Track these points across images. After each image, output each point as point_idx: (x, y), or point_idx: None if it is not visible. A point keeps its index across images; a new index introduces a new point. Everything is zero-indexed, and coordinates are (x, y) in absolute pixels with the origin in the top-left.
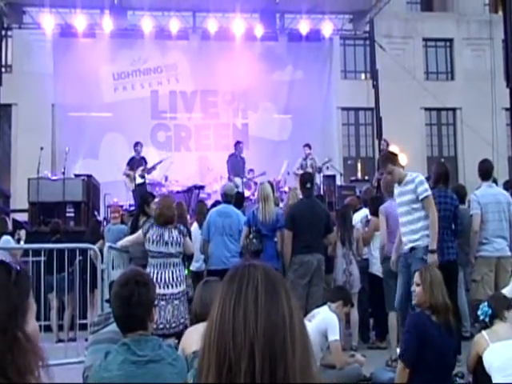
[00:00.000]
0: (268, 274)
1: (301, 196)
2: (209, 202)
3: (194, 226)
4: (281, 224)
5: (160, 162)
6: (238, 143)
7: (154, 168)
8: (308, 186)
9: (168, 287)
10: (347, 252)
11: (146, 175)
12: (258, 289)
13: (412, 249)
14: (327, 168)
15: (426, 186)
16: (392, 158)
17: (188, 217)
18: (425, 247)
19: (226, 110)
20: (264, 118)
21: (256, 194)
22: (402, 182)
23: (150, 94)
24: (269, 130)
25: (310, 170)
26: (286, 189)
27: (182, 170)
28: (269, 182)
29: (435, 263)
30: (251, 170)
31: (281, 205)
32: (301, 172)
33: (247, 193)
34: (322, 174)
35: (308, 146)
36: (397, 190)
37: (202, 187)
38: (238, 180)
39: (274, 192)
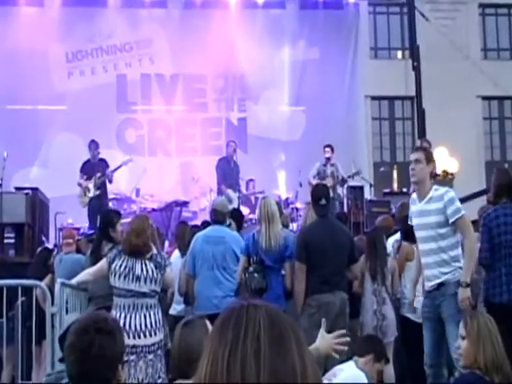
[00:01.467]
0: (273, 317)
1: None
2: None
3: (175, 256)
4: (290, 252)
5: (120, 166)
6: (229, 144)
7: (110, 175)
8: (322, 202)
9: (140, 336)
10: (379, 288)
11: (108, 184)
12: (260, 337)
13: (440, 285)
14: (353, 178)
15: (459, 204)
16: (430, 154)
17: (166, 243)
18: (457, 282)
19: (218, 100)
20: (268, 111)
21: (257, 211)
22: (426, 196)
23: (115, 79)
24: (274, 127)
25: (330, 180)
26: (299, 205)
27: (159, 181)
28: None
29: (468, 301)
30: (251, 181)
31: (294, 226)
32: (316, 182)
33: (245, 210)
34: (346, 185)
35: (330, 147)
36: (415, 207)
37: (185, 203)
38: (231, 193)
39: (281, 209)
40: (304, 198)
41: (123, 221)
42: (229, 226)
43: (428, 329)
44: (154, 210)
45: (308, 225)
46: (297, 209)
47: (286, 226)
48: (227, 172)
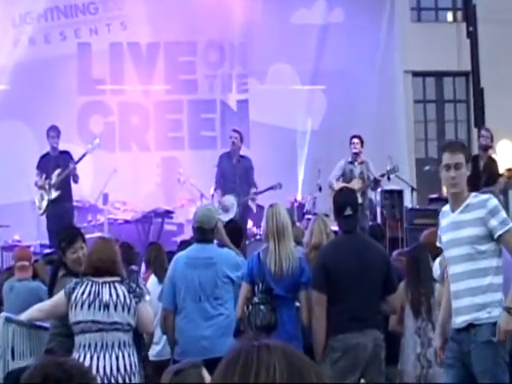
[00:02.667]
0: (292, 360)
1: (333, 228)
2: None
3: (151, 283)
4: (308, 278)
5: (84, 154)
6: (231, 133)
7: (72, 169)
8: (347, 212)
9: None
10: (423, 326)
11: (73, 184)
12: None
13: (470, 326)
14: (388, 179)
15: (505, 214)
16: (469, 153)
17: (143, 267)
18: (494, 324)
19: (211, 77)
20: (277, 91)
21: (263, 224)
22: (461, 204)
23: (76, 49)
24: (285, 112)
25: (358, 182)
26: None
27: (134, 184)
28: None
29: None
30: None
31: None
32: (340, 186)
33: (248, 224)
34: (378, 190)
35: (359, 139)
36: (446, 219)
37: (168, 213)
38: (229, 199)
39: (294, 221)
40: (324, 206)
41: (88, 236)
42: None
43: (451, 379)
44: (126, 221)
45: (329, 243)
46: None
47: (299, 242)
48: (227, 172)
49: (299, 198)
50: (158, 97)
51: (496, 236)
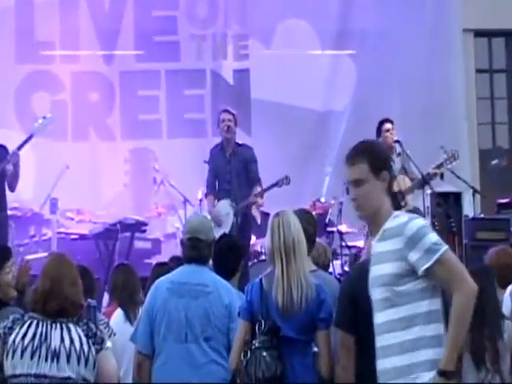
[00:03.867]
0: None
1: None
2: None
3: (117, 318)
4: (328, 314)
5: (26, 141)
6: (221, 116)
7: (11, 160)
8: None
9: None
10: (488, 378)
11: (7, 191)
12: None
13: None
14: (442, 177)
15: (434, 237)
16: (377, 156)
17: (105, 298)
18: None
19: (199, 38)
20: (288, 58)
21: (267, 239)
22: (378, 229)
23: (13, 3)
24: (300, 86)
25: (403, 180)
26: (344, 227)
27: (93, 186)
28: (301, 212)
29: None
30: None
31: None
32: None
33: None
34: (427, 191)
35: (389, 122)
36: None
37: (139, 225)
38: (224, 206)
39: (312, 235)
40: (352, 215)
41: (32, 257)
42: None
43: None
44: (82, 237)
45: (359, 264)
46: (340, 234)
47: (323, 265)
48: (220, 169)
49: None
50: (125, 66)
51: (421, 272)
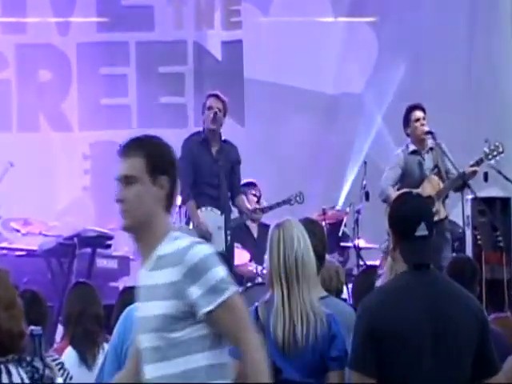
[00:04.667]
0: None
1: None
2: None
3: (68, 357)
4: (341, 351)
5: None
6: (207, 102)
7: None
8: (421, 232)
9: None
10: None
11: None
12: None
13: None
14: (485, 178)
15: (222, 272)
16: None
17: (59, 330)
18: None
19: (177, 1)
20: (292, 27)
21: (266, 259)
22: (151, 252)
23: None
24: (306, 63)
25: (433, 182)
26: (362, 242)
27: (44, 190)
28: (306, 223)
29: None
30: (250, 184)
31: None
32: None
33: (242, 257)
34: (467, 196)
35: (419, 110)
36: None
37: (102, 239)
38: (215, 216)
39: (320, 252)
40: (373, 225)
41: None
42: None
43: None
44: (30, 253)
45: (382, 288)
46: (357, 250)
47: (335, 290)
48: (204, 169)
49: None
50: (84, 36)
51: (200, 315)
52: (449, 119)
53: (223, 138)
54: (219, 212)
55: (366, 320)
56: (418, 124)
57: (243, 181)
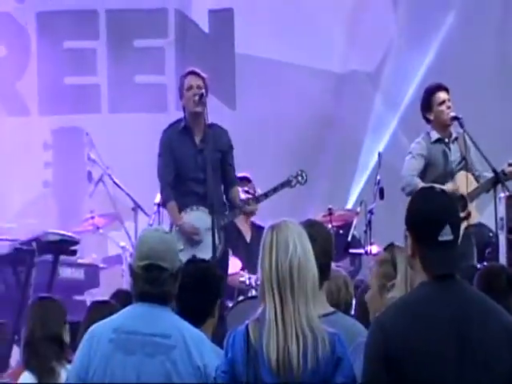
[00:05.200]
0: None
1: (421, 276)
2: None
3: (23, 380)
4: (348, 376)
5: None
6: (183, 79)
7: None
8: (445, 236)
9: None
10: None
11: None
12: None
13: None
14: None
15: None
16: None
17: (16, 352)
18: None
19: None
20: None
21: (259, 268)
22: None
23: None
24: (308, 37)
25: (460, 179)
26: (375, 248)
27: None
28: (308, 225)
29: None
30: (243, 179)
31: None
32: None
33: (233, 265)
34: (501, 194)
35: (443, 91)
36: None
37: (68, 244)
38: (203, 217)
39: (325, 258)
40: (388, 229)
41: None
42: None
43: None
44: None
45: (398, 301)
46: (367, 253)
47: (344, 304)
48: (187, 163)
49: (338, 211)
50: (45, 4)
51: None
52: (479, 103)
53: (209, 121)
54: (204, 212)
55: (381, 339)
56: (442, 107)
57: (240, 174)
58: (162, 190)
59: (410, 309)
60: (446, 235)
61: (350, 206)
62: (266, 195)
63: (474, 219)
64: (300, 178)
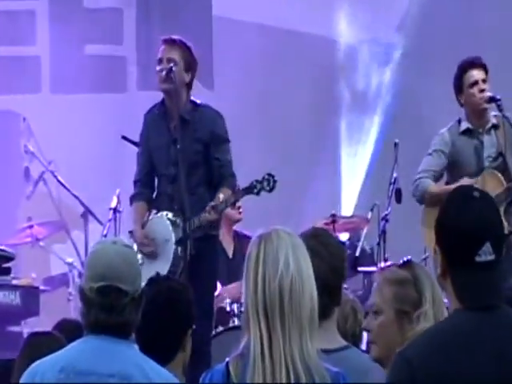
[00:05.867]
0: None
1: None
2: None
3: None
4: None
5: None
6: (162, 48)
7: None
8: (485, 256)
9: None
10: None
11: None
12: None
13: None
14: None
15: None
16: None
17: None
18: None
19: None
20: None
21: (243, 290)
22: None
23: None
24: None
25: (497, 179)
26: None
27: None
28: (308, 236)
29: None
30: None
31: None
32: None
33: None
34: None
35: (478, 67)
36: None
37: (1, 260)
38: (162, 224)
39: (334, 277)
40: (404, 240)
41: None
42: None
43: None
44: None
45: (427, 332)
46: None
47: (351, 334)
48: (160, 155)
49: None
50: None
51: None
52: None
53: (198, 101)
54: (171, 217)
55: (405, 374)
56: (474, 90)
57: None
58: (134, 183)
59: (441, 341)
60: (486, 255)
61: (355, 210)
62: (225, 203)
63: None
64: (265, 184)
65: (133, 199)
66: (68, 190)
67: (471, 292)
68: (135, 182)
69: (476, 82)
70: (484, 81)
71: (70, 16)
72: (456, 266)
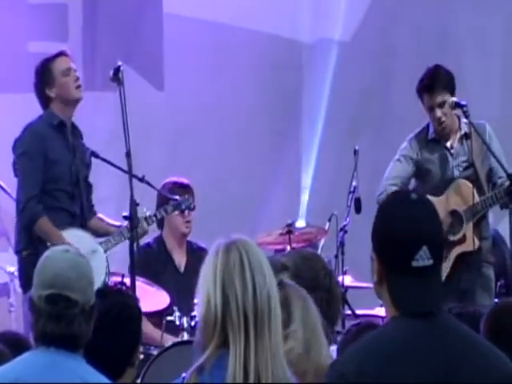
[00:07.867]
0: None
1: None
2: None
3: None
4: None
5: None
6: (59, 61)
7: None
8: (421, 261)
9: None
10: None
11: None
12: None
13: None
14: None
15: None
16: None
17: None
18: None
19: None
20: None
21: (203, 300)
22: None
23: None
24: None
25: (465, 190)
26: (349, 279)
27: None
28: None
29: None
30: (182, 186)
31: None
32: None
33: (157, 300)
34: None
35: (432, 89)
36: None
37: None
38: (82, 236)
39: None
40: (367, 255)
41: None
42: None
43: None
44: None
45: (361, 342)
46: (343, 291)
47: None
48: (59, 169)
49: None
50: None
51: None
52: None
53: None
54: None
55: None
56: (432, 115)
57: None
58: (25, 204)
59: (377, 352)
60: (423, 259)
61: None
62: (130, 220)
63: (469, 246)
64: (183, 206)
65: (37, 216)
66: (8, 195)
67: (407, 298)
68: (33, 198)
69: (432, 108)
70: (440, 105)
71: (11, 11)
72: (392, 272)
